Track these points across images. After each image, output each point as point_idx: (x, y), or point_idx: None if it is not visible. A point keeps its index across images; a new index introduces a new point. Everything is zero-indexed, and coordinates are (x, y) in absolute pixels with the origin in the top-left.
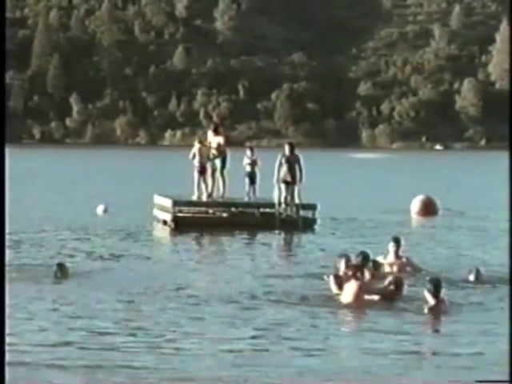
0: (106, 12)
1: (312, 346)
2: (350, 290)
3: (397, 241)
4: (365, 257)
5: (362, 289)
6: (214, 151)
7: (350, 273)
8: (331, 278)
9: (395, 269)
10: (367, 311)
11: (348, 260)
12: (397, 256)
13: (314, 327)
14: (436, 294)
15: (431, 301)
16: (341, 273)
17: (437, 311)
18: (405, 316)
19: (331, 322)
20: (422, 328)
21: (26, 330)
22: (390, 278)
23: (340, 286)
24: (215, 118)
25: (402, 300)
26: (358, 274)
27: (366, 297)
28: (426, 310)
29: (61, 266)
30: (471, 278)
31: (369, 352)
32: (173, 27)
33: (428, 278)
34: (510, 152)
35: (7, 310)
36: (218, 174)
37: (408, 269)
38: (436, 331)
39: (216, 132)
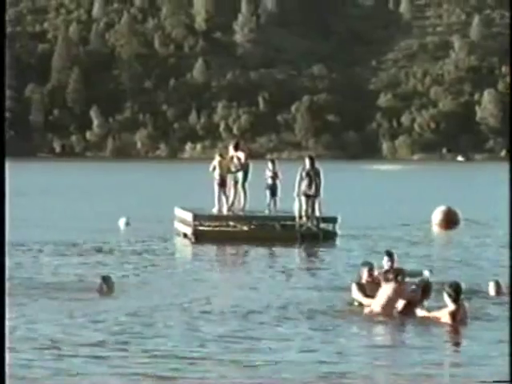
0: (125, 25)
1: (332, 359)
2: (386, 291)
3: (390, 254)
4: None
5: (398, 292)
6: (235, 164)
7: (391, 276)
8: (354, 286)
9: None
10: (389, 322)
11: (371, 269)
12: (392, 269)
13: (335, 340)
14: (456, 298)
15: (451, 305)
16: (363, 281)
17: (457, 316)
18: (425, 324)
19: (354, 334)
20: (442, 338)
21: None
22: (418, 282)
23: (364, 294)
24: (235, 131)
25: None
26: (399, 278)
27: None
28: (445, 316)
29: (106, 279)
30: (491, 291)
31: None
32: (192, 40)
33: (448, 283)
34: (510, 162)
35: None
36: (239, 186)
37: None
38: (455, 341)
39: (236, 148)
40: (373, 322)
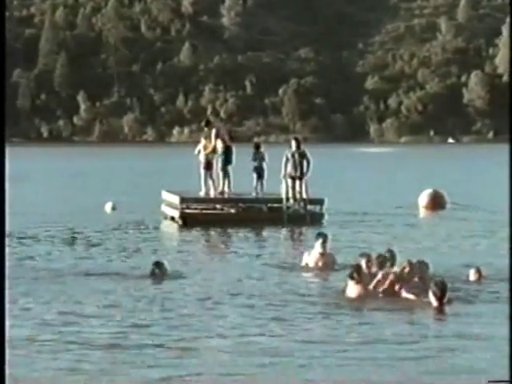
0: (112, 9)
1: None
2: (384, 278)
3: (323, 235)
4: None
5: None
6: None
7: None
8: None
9: (320, 264)
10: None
11: (369, 260)
12: (324, 252)
13: (324, 323)
14: (441, 297)
15: (434, 303)
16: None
17: (439, 313)
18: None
19: (339, 320)
20: (424, 331)
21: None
22: (404, 264)
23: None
24: (223, 115)
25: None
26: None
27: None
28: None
29: (159, 264)
30: (471, 276)
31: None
32: (179, 24)
33: (434, 281)
34: (510, 145)
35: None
36: (219, 169)
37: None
38: (438, 333)
39: (207, 125)
40: (355, 304)
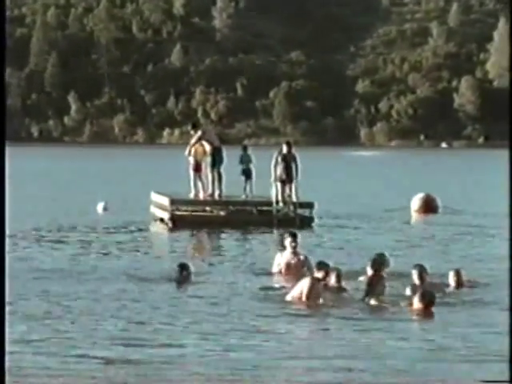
0: (103, 10)
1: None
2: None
3: (294, 235)
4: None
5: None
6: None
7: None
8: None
9: (293, 265)
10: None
11: (339, 274)
12: (295, 252)
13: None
14: (427, 305)
15: (417, 305)
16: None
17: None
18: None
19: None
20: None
21: None
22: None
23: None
24: (213, 116)
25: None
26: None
27: None
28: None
29: (185, 266)
30: (451, 281)
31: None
32: (171, 25)
33: (422, 291)
34: (510, 151)
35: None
36: (208, 171)
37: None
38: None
39: (194, 127)
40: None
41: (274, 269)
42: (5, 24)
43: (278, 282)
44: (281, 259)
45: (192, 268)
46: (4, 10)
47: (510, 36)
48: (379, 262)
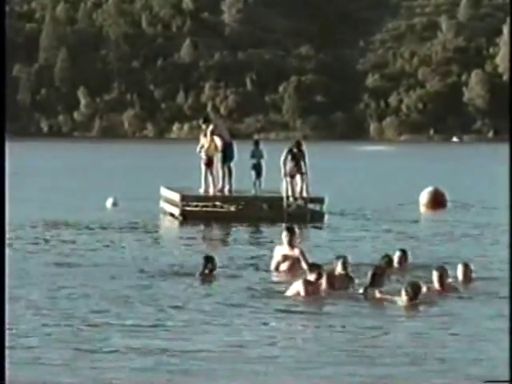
0: (113, 5)
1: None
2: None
3: (289, 229)
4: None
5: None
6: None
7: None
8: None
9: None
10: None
11: (345, 262)
12: (291, 246)
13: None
14: (412, 297)
15: (405, 301)
16: (336, 273)
17: (409, 310)
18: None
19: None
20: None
21: None
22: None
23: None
24: (223, 111)
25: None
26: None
27: None
28: (399, 306)
29: (210, 259)
30: (459, 274)
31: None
32: (180, 20)
33: (409, 282)
34: (510, 148)
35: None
36: (218, 167)
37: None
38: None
39: (205, 122)
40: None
41: (272, 264)
42: (5, 24)
43: (274, 277)
44: (277, 253)
45: (217, 261)
46: (4, 10)
47: (510, 36)
48: (389, 259)
